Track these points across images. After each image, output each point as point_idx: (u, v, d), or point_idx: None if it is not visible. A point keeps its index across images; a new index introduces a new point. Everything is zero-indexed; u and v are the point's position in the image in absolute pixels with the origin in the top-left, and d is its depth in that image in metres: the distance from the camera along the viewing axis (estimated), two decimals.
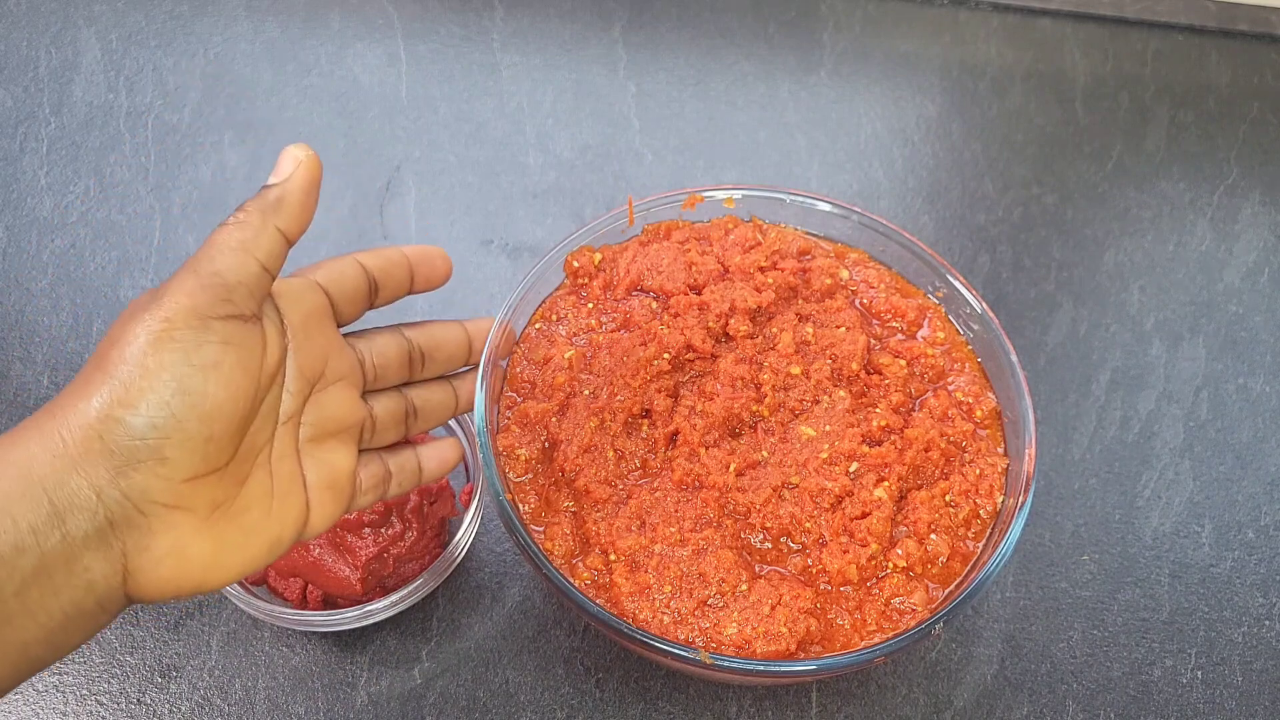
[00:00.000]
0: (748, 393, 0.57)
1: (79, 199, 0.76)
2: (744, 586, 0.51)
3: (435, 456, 0.53)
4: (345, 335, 0.49)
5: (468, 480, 0.62)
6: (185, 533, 0.40)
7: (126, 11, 0.86)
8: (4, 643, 0.36)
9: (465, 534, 0.58)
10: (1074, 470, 0.67)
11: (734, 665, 0.49)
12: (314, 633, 0.59)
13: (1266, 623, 0.62)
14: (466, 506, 0.59)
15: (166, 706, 0.57)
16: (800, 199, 0.65)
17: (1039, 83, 0.86)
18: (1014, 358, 0.58)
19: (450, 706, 0.58)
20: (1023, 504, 0.54)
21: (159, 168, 0.78)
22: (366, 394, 0.50)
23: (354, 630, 0.59)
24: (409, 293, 0.51)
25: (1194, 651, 0.61)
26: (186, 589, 0.40)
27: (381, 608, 0.56)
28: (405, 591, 0.56)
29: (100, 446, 0.37)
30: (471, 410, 0.54)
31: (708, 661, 0.48)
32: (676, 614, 0.51)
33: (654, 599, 0.51)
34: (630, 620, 0.51)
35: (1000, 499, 0.55)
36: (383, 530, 0.57)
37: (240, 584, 0.57)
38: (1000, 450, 0.57)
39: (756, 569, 0.53)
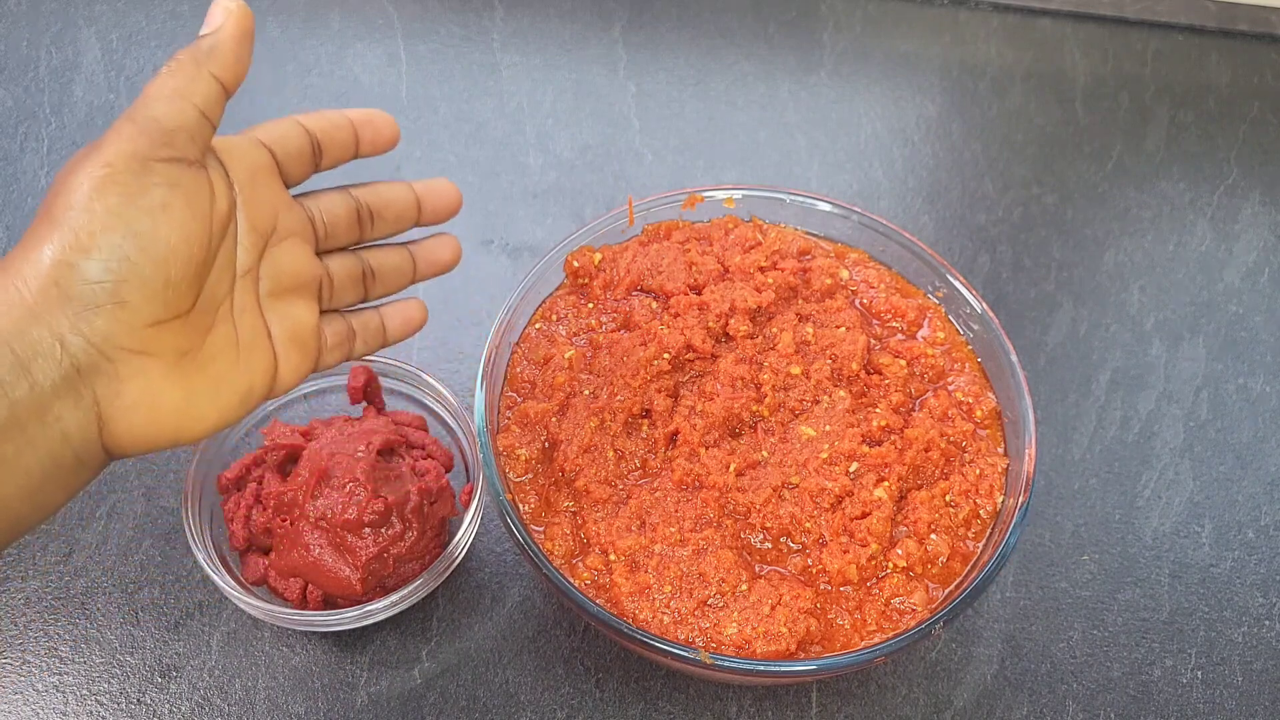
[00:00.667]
0: (748, 393, 0.57)
1: None
2: (744, 586, 0.51)
3: (398, 315, 0.53)
4: (293, 195, 0.49)
5: (468, 480, 0.62)
6: (154, 379, 0.40)
7: (127, 11, 0.86)
8: None
9: (465, 534, 0.58)
10: (1074, 470, 0.67)
11: (734, 665, 0.49)
12: (314, 633, 0.59)
13: (1266, 623, 0.62)
14: (466, 506, 0.59)
15: (166, 706, 0.57)
16: (800, 199, 0.65)
17: (1039, 83, 0.86)
18: (1014, 358, 0.58)
19: (450, 706, 0.58)
20: (1023, 504, 0.54)
21: None
22: (321, 254, 0.50)
23: (354, 630, 0.59)
24: (354, 156, 0.51)
25: (1194, 651, 0.61)
26: (164, 439, 0.41)
27: (381, 608, 0.56)
28: (405, 591, 0.56)
29: (57, 294, 0.38)
30: (429, 278, 0.54)
31: (708, 661, 0.48)
32: (676, 614, 0.51)
33: (654, 599, 0.51)
34: (630, 620, 0.51)
35: (1000, 499, 0.55)
36: (383, 530, 0.56)
37: (240, 583, 0.57)
38: (1000, 450, 0.57)
39: (756, 569, 0.53)
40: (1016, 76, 0.86)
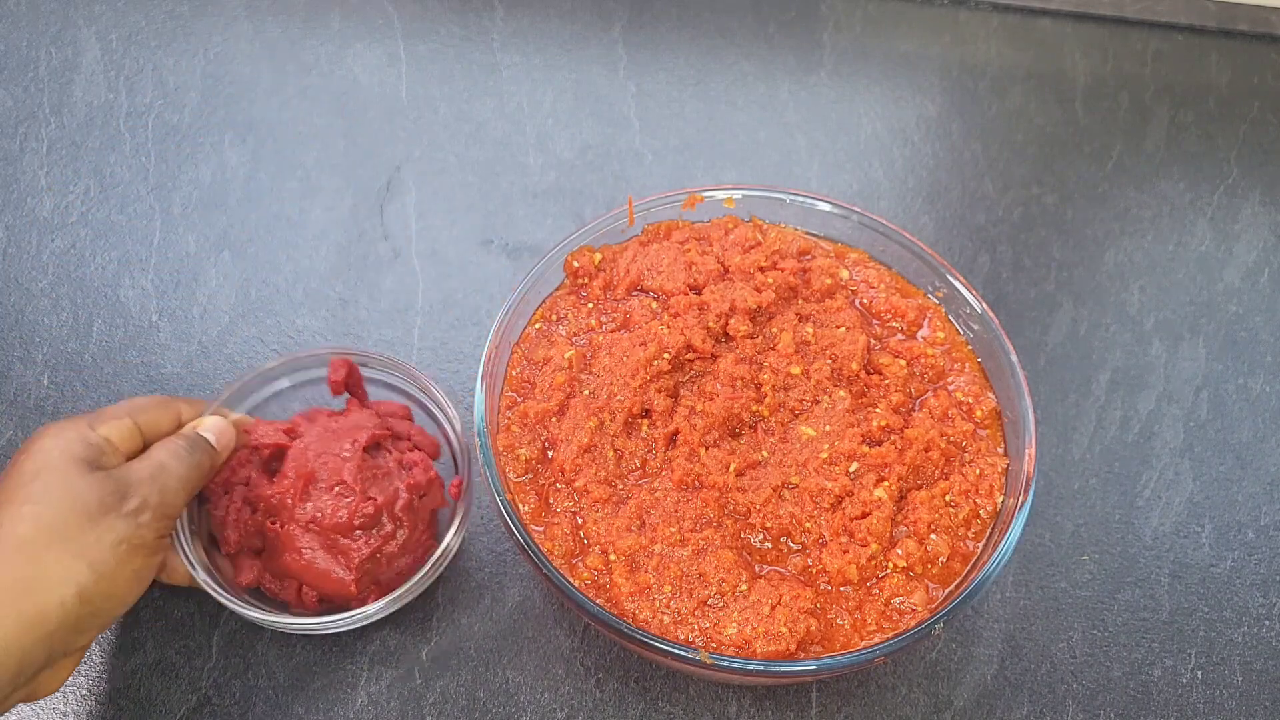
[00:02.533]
0: (748, 393, 0.57)
1: (79, 199, 0.76)
2: (744, 586, 0.51)
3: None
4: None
5: (455, 468, 0.61)
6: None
7: (126, 11, 0.86)
8: None
9: (456, 527, 0.58)
10: (1074, 470, 0.67)
11: (734, 665, 0.49)
12: (312, 635, 0.59)
13: (1266, 623, 0.62)
14: (457, 498, 0.59)
15: (166, 706, 0.57)
16: (800, 199, 0.65)
17: (1039, 83, 0.86)
18: (1014, 358, 0.58)
19: (450, 706, 0.58)
20: (1023, 504, 0.54)
21: (159, 168, 0.78)
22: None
23: (353, 630, 0.59)
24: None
25: (1194, 651, 0.61)
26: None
27: (379, 609, 0.56)
28: (401, 591, 0.56)
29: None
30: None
31: (708, 661, 0.48)
32: (676, 614, 0.51)
33: (654, 599, 0.51)
34: (630, 620, 0.51)
35: (1000, 499, 0.55)
36: (374, 531, 0.56)
37: (233, 591, 0.57)
38: (1000, 450, 0.57)
39: (756, 569, 0.53)
40: (1016, 76, 0.86)
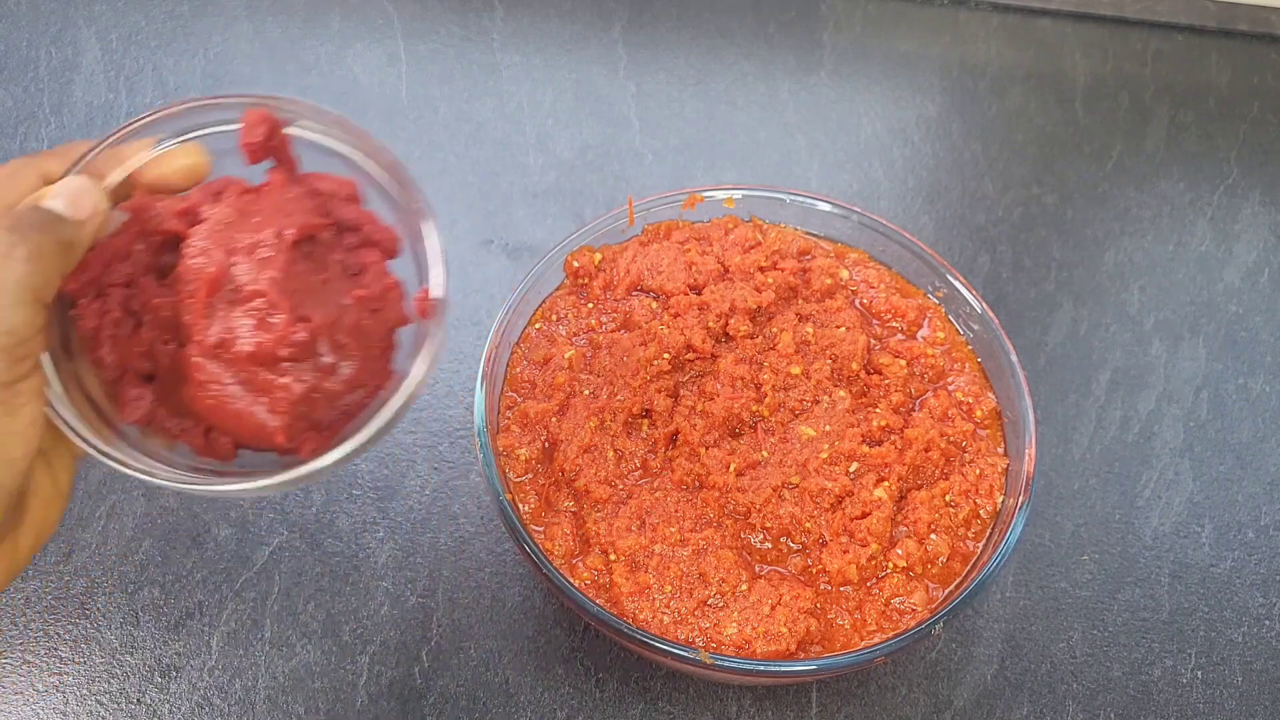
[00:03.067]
0: (748, 393, 0.57)
1: None
2: (744, 586, 0.51)
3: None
4: None
5: (422, 284, 0.43)
6: None
7: (126, 11, 0.86)
8: None
9: (424, 352, 0.42)
10: (1074, 470, 0.67)
11: (734, 665, 0.49)
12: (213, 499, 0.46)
13: (1266, 623, 0.62)
14: (425, 316, 0.43)
15: (166, 706, 0.57)
16: (800, 199, 0.65)
17: (1039, 83, 0.86)
18: (1014, 358, 0.58)
19: (450, 706, 0.58)
20: (1023, 504, 0.54)
21: None
22: None
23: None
24: None
25: (1194, 651, 0.61)
26: None
27: (327, 464, 0.40)
28: (353, 446, 0.40)
29: None
30: None
31: (708, 661, 0.48)
32: (676, 614, 0.51)
33: (654, 599, 0.51)
34: (630, 620, 0.51)
35: (1000, 499, 0.55)
36: (309, 364, 0.40)
37: (114, 432, 0.41)
38: (1000, 450, 0.57)
39: (756, 569, 0.53)
40: (1016, 76, 0.86)
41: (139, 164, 0.42)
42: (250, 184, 0.44)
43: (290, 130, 0.45)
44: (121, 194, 0.42)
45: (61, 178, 0.40)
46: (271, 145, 0.44)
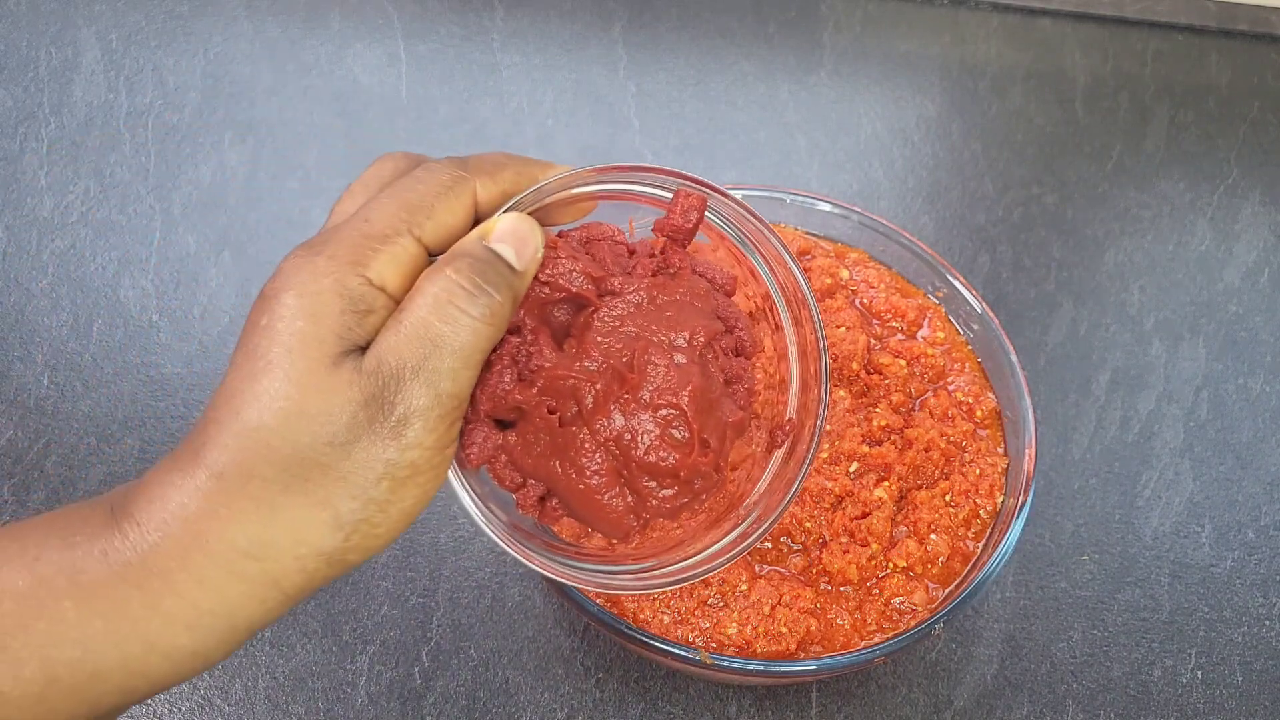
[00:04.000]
0: None
1: (79, 199, 0.76)
2: (744, 586, 0.51)
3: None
4: None
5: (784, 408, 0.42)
6: None
7: (126, 11, 0.86)
8: None
9: (807, 462, 0.40)
10: (1074, 470, 0.67)
11: (734, 665, 0.49)
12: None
13: (1267, 623, 0.62)
14: (791, 437, 0.42)
15: (166, 706, 0.57)
16: (800, 199, 0.65)
17: (1039, 83, 0.86)
18: (1014, 358, 0.58)
19: (450, 706, 0.58)
20: (1023, 504, 0.54)
21: (159, 168, 0.78)
22: None
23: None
24: None
25: (1194, 652, 0.61)
26: None
27: (721, 561, 0.40)
28: (747, 524, 0.39)
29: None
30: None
31: (708, 661, 0.48)
32: (676, 614, 0.51)
33: (654, 599, 0.51)
34: (630, 620, 0.51)
35: (1000, 499, 0.55)
36: (687, 487, 0.39)
37: (463, 469, 0.38)
38: (1000, 450, 0.57)
39: (757, 569, 0.53)
40: (1016, 76, 0.86)
41: (555, 196, 0.40)
42: (653, 256, 0.41)
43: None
44: None
45: (499, 211, 0.37)
46: (689, 230, 0.41)
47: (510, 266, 0.35)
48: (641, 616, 0.51)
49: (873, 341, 0.60)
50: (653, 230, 0.41)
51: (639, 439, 0.37)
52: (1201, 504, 0.66)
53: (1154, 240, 0.78)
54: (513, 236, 0.36)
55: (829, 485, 0.54)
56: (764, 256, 0.42)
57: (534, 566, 0.39)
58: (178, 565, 0.32)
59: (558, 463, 0.38)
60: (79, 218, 0.75)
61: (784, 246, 0.41)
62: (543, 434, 0.38)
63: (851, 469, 0.55)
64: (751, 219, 0.41)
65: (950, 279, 0.61)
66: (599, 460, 0.38)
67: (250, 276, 0.73)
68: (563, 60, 0.85)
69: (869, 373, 0.59)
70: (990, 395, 0.59)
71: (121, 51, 0.84)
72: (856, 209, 0.64)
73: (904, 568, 0.53)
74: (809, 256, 0.64)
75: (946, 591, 0.53)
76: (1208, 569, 0.64)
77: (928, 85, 0.86)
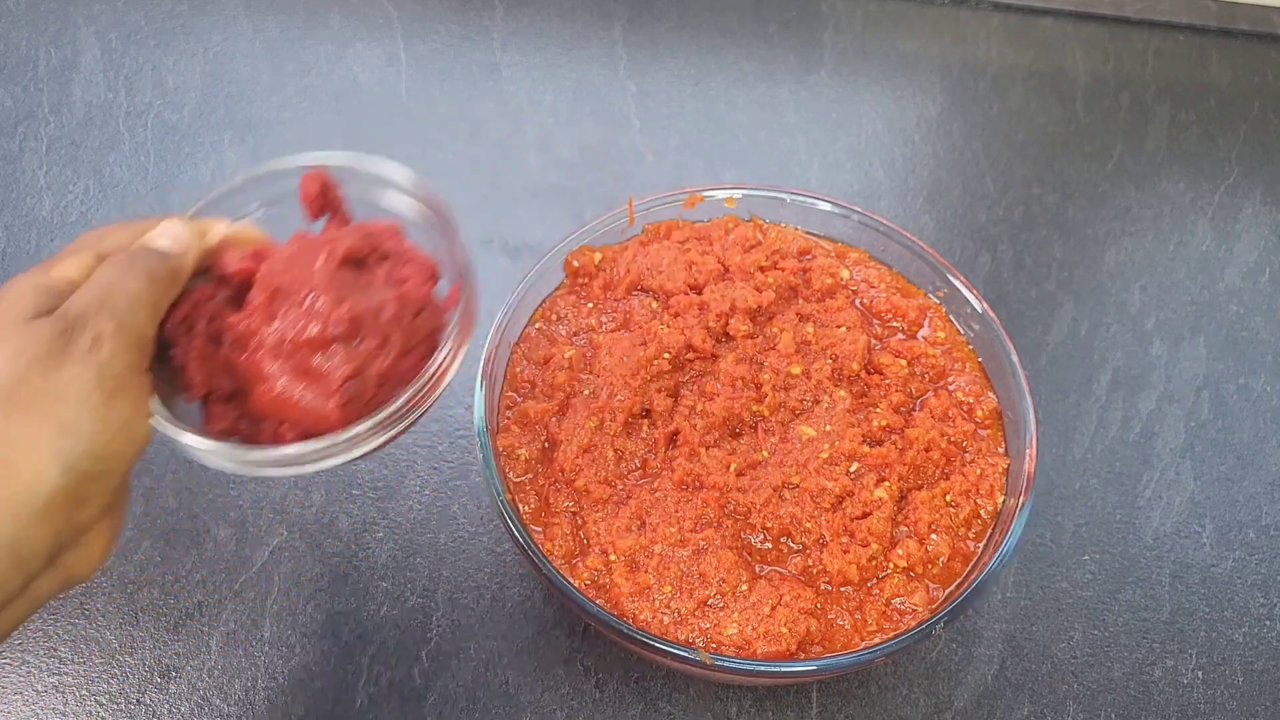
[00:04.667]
0: (748, 393, 0.57)
1: (79, 199, 0.76)
2: (744, 587, 0.51)
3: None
4: None
5: (452, 289, 0.51)
6: (112, 530, 0.45)
7: (126, 11, 0.86)
8: None
9: (453, 341, 0.48)
10: (1075, 470, 0.67)
11: (734, 665, 0.49)
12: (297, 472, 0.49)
13: (1267, 623, 0.62)
14: (451, 306, 0.50)
15: (166, 706, 0.57)
16: (801, 199, 0.65)
17: (1040, 82, 0.86)
18: (1015, 357, 0.58)
19: (450, 707, 0.58)
20: (1023, 504, 0.54)
21: (159, 167, 0.78)
22: None
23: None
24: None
25: (1195, 652, 0.61)
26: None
27: (366, 429, 0.46)
28: (387, 412, 0.46)
29: (65, 502, 0.42)
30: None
31: (708, 662, 0.48)
32: (676, 614, 0.51)
33: (654, 599, 0.51)
34: (630, 621, 0.51)
35: (1001, 499, 0.55)
36: (356, 345, 0.46)
37: (205, 436, 0.47)
38: (1001, 450, 0.57)
39: (757, 569, 0.53)
40: (1017, 76, 0.86)
41: (216, 237, 0.50)
42: (311, 233, 0.51)
43: (344, 191, 0.53)
44: (203, 263, 0.50)
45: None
46: (325, 199, 0.52)
47: (164, 251, 0.46)
48: (641, 617, 0.51)
49: (873, 341, 0.60)
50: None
51: (295, 326, 0.46)
52: (1202, 504, 0.66)
53: (1155, 240, 0.78)
54: (165, 230, 0.47)
55: (829, 485, 0.53)
56: (407, 191, 0.54)
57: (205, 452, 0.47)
58: None
59: (260, 388, 0.47)
60: (78, 217, 0.75)
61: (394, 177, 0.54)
62: (246, 378, 0.47)
63: (851, 469, 0.54)
64: (375, 170, 0.54)
65: (951, 279, 0.61)
66: (278, 365, 0.46)
67: None
68: (563, 60, 0.85)
69: (869, 372, 0.59)
70: (991, 395, 0.59)
71: (121, 51, 0.84)
72: (857, 209, 0.64)
73: (904, 568, 0.53)
74: (809, 256, 0.64)
75: (947, 592, 0.53)
76: (1208, 569, 0.64)
77: (928, 85, 0.85)
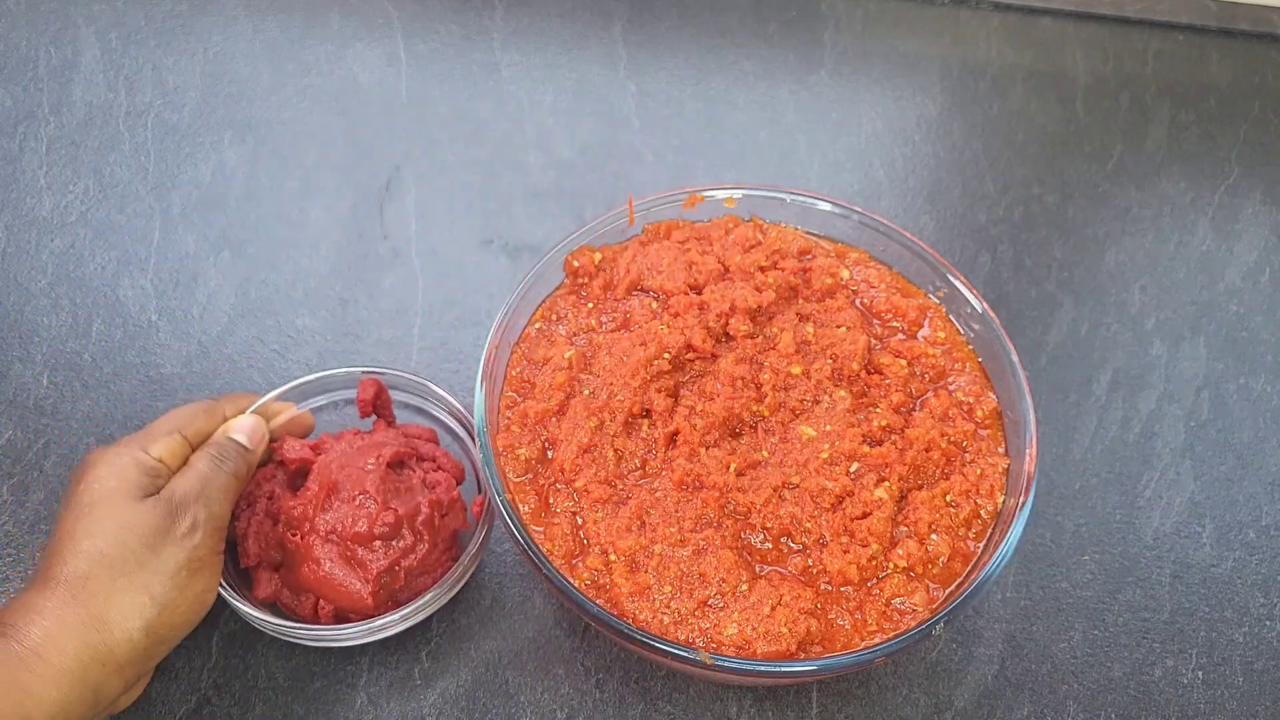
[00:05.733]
0: (748, 393, 0.57)
1: (78, 199, 0.76)
2: (744, 587, 0.51)
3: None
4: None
5: (479, 492, 0.61)
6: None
7: (126, 11, 0.86)
8: None
9: (477, 547, 0.58)
10: (1075, 470, 0.67)
11: (734, 665, 0.49)
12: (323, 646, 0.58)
13: (1267, 623, 0.62)
14: (479, 519, 0.58)
15: (166, 707, 0.57)
16: (801, 199, 0.65)
17: (1040, 82, 0.86)
18: (1015, 357, 0.58)
19: (450, 707, 0.58)
20: (1024, 504, 0.54)
21: (158, 167, 0.78)
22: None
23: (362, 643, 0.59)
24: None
25: (1195, 652, 0.61)
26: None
27: (394, 620, 0.55)
28: (417, 604, 0.56)
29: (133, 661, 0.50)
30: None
31: (708, 662, 0.48)
32: (676, 614, 0.51)
33: (654, 599, 0.51)
34: (630, 620, 0.51)
35: (1001, 499, 0.55)
36: (393, 543, 0.56)
37: (250, 601, 0.57)
38: (1001, 450, 0.57)
39: (757, 569, 0.53)
40: (1017, 76, 0.86)
41: (283, 420, 0.61)
42: (361, 430, 0.61)
43: (392, 394, 0.64)
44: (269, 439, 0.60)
45: (242, 414, 0.59)
46: (377, 403, 0.63)
47: (242, 445, 0.57)
48: (641, 617, 0.51)
49: (873, 341, 0.60)
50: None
51: (345, 520, 0.56)
52: (1202, 504, 0.66)
53: (1155, 240, 0.78)
54: (244, 428, 0.57)
55: (829, 485, 0.53)
56: (437, 402, 0.64)
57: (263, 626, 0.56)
58: (48, 646, 0.47)
59: (307, 566, 0.56)
60: (78, 217, 0.75)
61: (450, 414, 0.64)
62: (294, 554, 0.56)
63: (851, 469, 0.54)
64: (421, 386, 0.63)
65: (951, 278, 0.61)
66: (326, 550, 0.56)
67: (249, 276, 0.73)
68: (563, 60, 0.85)
69: (869, 372, 0.59)
70: (991, 395, 0.59)
71: (121, 51, 0.84)
72: (857, 209, 0.64)
73: (904, 568, 0.53)
74: (809, 256, 0.64)
75: (947, 592, 0.53)
76: (1209, 569, 0.64)
77: (928, 85, 0.85)
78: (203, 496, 0.53)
